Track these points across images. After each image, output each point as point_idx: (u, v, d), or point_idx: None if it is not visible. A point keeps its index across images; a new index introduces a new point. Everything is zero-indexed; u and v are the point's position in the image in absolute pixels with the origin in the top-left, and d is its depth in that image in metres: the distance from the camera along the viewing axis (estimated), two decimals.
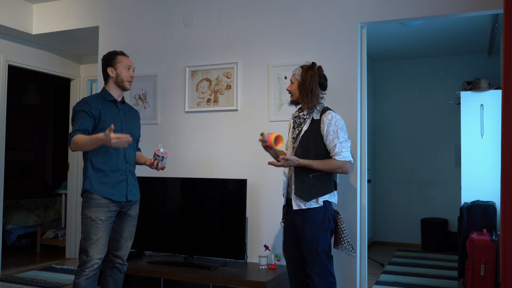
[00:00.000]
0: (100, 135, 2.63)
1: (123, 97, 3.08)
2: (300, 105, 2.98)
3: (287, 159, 2.76)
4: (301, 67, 2.92)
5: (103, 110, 2.91)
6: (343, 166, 2.80)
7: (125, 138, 2.62)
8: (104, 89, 3.02)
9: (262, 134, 2.83)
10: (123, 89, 3.01)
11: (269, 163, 2.84)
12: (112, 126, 2.57)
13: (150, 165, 2.99)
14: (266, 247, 3.64)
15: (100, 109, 2.89)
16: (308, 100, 2.87)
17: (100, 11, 4.61)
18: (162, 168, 2.98)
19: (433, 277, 4.74)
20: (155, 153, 2.94)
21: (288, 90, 2.97)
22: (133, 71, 3.04)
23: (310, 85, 2.85)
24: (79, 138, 2.73)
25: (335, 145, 2.78)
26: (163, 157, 2.94)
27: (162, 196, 4.03)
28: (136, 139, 3.13)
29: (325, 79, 2.95)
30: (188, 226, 3.89)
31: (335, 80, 3.62)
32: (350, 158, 2.82)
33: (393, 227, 6.76)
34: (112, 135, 2.56)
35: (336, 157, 2.78)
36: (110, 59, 3.00)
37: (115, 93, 3.01)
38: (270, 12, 3.93)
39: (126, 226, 3.01)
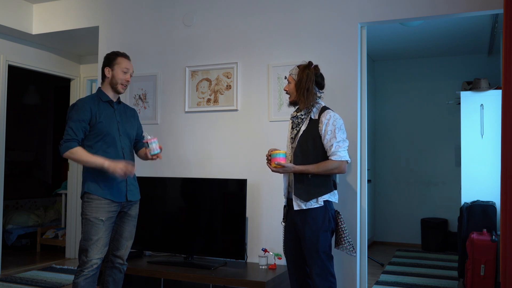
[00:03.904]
0: (105, 162, 2.76)
1: (119, 97, 3.06)
2: (298, 105, 2.97)
3: (283, 166, 2.77)
4: (298, 66, 2.92)
5: (99, 111, 2.89)
6: (339, 166, 2.79)
7: (131, 171, 2.81)
8: (99, 90, 3.01)
9: (270, 153, 2.83)
10: (116, 92, 2.99)
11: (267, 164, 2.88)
12: (134, 171, 2.86)
13: (146, 156, 2.98)
14: (265, 250, 3.63)
15: (95, 111, 2.88)
16: (305, 99, 2.86)
17: (100, 11, 4.61)
18: (158, 156, 2.95)
19: (433, 277, 4.74)
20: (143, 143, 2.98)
21: (285, 91, 2.97)
22: (131, 76, 3.02)
23: (306, 84, 2.84)
24: (80, 153, 2.79)
25: (332, 145, 2.78)
26: (148, 142, 2.90)
27: (162, 196, 4.03)
28: (133, 138, 3.11)
29: (322, 78, 2.94)
30: (188, 226, 3.89)
31: (335, 80, 3.62)
32: (347, 158, 2.81)
33: (393, 227, 6.76)
34: (120, 166, 2.76)
35: (332, 157, 2.78)
36: (110, 59, 2.99)
37: (111, 93, 3.00)
38: (270, 12, 3.93)
39: (127, 226, 3.02)
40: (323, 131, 2.80)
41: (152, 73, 4.33)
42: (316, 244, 2.77)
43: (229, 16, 4.08)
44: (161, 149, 2.97)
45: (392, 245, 6.67)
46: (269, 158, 2.84)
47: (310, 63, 2.91)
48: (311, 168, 2.78)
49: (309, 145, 2.83)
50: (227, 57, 4.05)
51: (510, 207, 3.08)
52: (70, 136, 2.80)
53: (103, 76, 2.99)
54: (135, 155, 3.19)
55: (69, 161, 5.76)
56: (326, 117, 2.81)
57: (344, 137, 2.83)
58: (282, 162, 2.78)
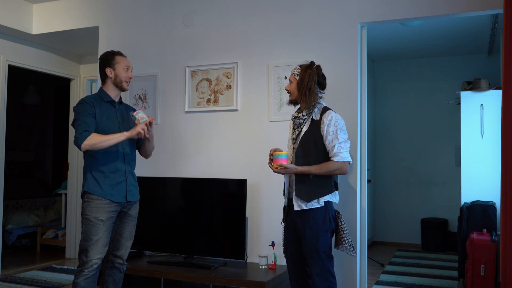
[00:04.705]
0: (125, 133, 2.80)
1: (120, 98, 3.08)
2: (299, 105, 2.97)
3: (285, 167, 2.77)
4: (300, 66, 2.92)
5: (101, 111, 2.91)
6: (342, 167, 2.79)
7: (150, 120, 2.83)
8: (101, 90, 3.01)
9: (273, 153, 2.83)
10: (121, 89, 3.02)
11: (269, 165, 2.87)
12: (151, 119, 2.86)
13: (141, 134, 2.83)
14: (272, 244, 3.62)
15: (98, 110, 2.89)
16: (307, 99, 2.86)
17: (100, 11, 4.61)
18: (150, 121, 2.85)
19: (433, 277, 4.74)
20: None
21: (287, 90, 2.97)
22: (131, 72, 3.05)
23: (308, 84, 2.84)
24: (97, 136, 2.77)
25: (334, 146, 2.78)
26: (134, 115, 2.85)
27: (162, 196, 4.03)
28: (133, 139, 3.10)
29: (324, 78, 2.94)
30: (188, 226, 3.89)
31: (335, 80, 3.62)
32: (349, 159, 2.81)
33: (393, 227, 6.76)
34: (138, 129, 2.77)
35: (334, 158, 2.78)
36: (108, 60, 2.99)
37: (113, 93, 3.01)
38: (270, 12, 3.93)
39: (126, 226, 3.02)
40: (324, 131, 2.80)
41: (152, 73, 4.33)
42: (316, 244, 2.77)
43: (229, 16, 4.08)
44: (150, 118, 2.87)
45: (392, 245, 6.67)
46: (271, 158, 2.84)
47: (312, 63, 2.91)
48: (313, 169, 2.77)
49: (311, 145, 2.82)
50: (227, 57, 4.05)
51: (510, 207, 3.08)
52: (83, 128, 2.79)
53: (105, 76, 3.00)
54: (138, 154, 3.19)
55: (69, 161, 5.76)
56: (327, 117, 2.81)
57: (346, 138, 2.83)
58: (284, 163, 2.78)
